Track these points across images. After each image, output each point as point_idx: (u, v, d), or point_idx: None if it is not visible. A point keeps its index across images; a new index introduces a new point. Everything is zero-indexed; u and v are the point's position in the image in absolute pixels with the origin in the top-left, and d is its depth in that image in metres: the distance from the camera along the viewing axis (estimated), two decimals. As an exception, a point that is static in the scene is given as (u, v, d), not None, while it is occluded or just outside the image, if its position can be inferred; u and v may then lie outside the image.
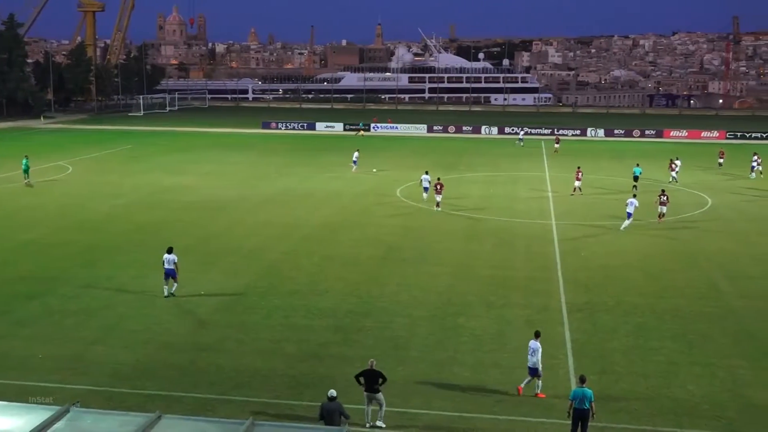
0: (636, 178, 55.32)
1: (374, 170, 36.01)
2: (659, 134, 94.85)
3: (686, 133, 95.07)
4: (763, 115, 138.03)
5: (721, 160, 66.81)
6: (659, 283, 31.88)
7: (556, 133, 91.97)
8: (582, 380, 19.06)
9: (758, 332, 26.29)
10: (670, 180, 56.83)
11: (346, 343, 24.86)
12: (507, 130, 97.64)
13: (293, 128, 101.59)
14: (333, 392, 18.13)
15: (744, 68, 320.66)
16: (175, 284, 29.15)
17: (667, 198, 43.30)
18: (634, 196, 42.80)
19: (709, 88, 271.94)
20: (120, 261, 34.38)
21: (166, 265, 28.80)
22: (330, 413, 17.85)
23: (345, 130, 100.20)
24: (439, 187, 46.03)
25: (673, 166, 58.09)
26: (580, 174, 52.75)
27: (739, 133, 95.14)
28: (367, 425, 19.45)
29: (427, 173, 50.26)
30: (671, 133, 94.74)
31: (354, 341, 24.98)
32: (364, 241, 38.78)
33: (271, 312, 27.77)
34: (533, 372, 21.25)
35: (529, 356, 21.32)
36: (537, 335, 21.76)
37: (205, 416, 19.09)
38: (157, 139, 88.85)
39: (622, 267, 34.29)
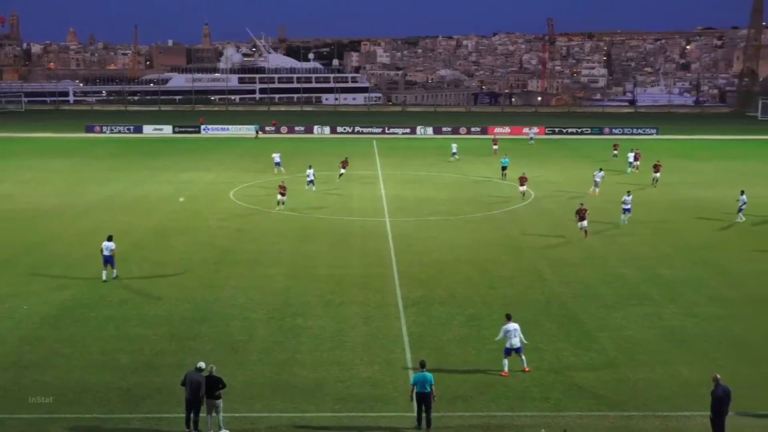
0: (504, 168, 59.98)
1: (181, 199, 35.99)
2: (484, 131, 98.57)
3: (509, 130, 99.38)
4: (577, 111, 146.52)
5: (616, 152, 71.95)
6: (489, 274, 33.21)
7: (494, 135, 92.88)
8: (422, 365, 20.05)
9: (580, 315, 27.94)
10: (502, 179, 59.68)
11: (182, 350, 24.25)
12: (339, 129, 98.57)
13: (119, 132, 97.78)
14: (202, 364, 19.19)
15: (559, 67, 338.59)
16: (114, 270, 31.53)
17: (586, 211, 40.38)
18: (628, 193, 43.93)
19: (528, 87, 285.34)
20: (-70, 278, 31.85)
21: (105, 252, 31.18)
22: (192, 383, 18.75)
23: (174, 132, 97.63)
24: (283, 190, 46.73)
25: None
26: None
27: (556, 129, 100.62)
28: (208, 433, 19.09)
29: (311, 167, 54.21)
30: (495, 130, 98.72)
31: (190, 348, 24.40)
32: (197, 245, 37.97)
33: (102, 323, 26.66)
34: (516, 351, 22.74)
35: (508, 339, 22.70)
36: (509, 318, 23.33)
37: (32, 437, 18.14)
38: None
39: (454, 260, 35.44)
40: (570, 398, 21.32)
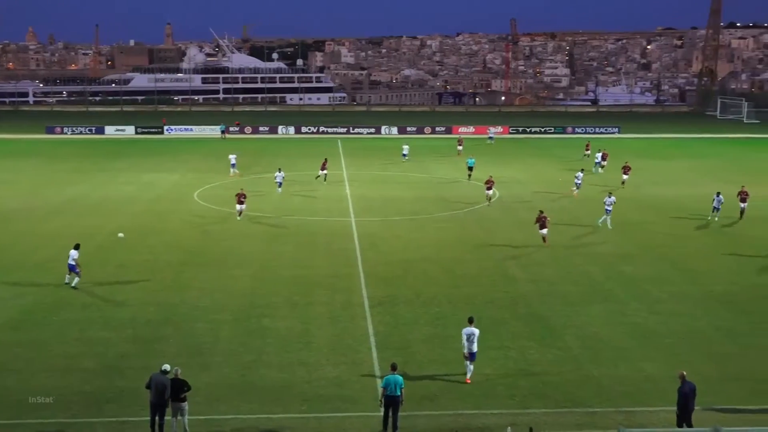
0: (470, 168, 59.82)
1: (120, 235, 35.35)
2: (449, 131, 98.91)
3: (473, 129, 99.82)
4: (540, 111, 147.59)
5: (588, 152, 72.18)
6: (454, 274, 33.36)
7: (458, 135, 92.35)
8: (393, 368, 19.89)
9: (545, 313, 28.18)
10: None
11: (147, 353, 24.02)
12: (304, 129, 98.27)
13: (81, 133, 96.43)
14: (166, 366, 18.96)
15: (522, 67, 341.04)
16: (77, 278, 30.72)
17: (546, 218, 38.67)
18: (610, 194, 43.67)
19: (492, 86, 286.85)
20: None
21: (69, 260, 30.77)
22: (157, 386, 18.56)
23: (137, 133, 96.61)
24: (242, 198, 44.06)
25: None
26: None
27: (520, 128, 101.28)
28: (173, 436, 18.93)
29: (280, 170, 53.71)
30: (460, 129, 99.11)
31: (155, 351, 24.18)
32: (161, 247, 37.63)
33: (65, 327, 26.33)
34: (470, 356, 22.13)
35: (466, 343, 22.09)
36: (471, 321, 22.57)
37: (-7, 444, 17.87)
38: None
39: (420, 260, 35.52)
40: (535, 395, 21.50)
